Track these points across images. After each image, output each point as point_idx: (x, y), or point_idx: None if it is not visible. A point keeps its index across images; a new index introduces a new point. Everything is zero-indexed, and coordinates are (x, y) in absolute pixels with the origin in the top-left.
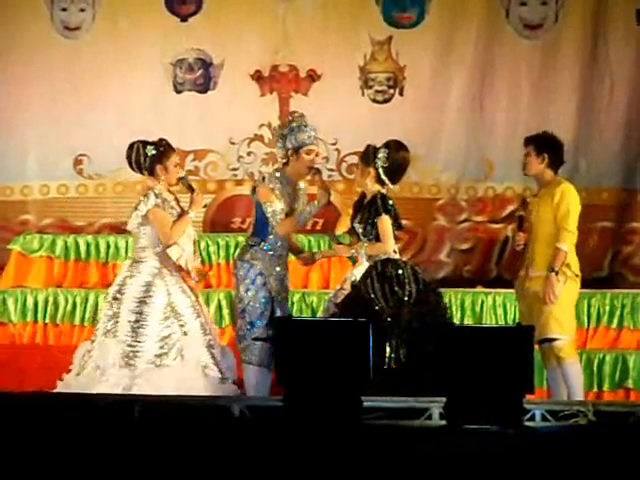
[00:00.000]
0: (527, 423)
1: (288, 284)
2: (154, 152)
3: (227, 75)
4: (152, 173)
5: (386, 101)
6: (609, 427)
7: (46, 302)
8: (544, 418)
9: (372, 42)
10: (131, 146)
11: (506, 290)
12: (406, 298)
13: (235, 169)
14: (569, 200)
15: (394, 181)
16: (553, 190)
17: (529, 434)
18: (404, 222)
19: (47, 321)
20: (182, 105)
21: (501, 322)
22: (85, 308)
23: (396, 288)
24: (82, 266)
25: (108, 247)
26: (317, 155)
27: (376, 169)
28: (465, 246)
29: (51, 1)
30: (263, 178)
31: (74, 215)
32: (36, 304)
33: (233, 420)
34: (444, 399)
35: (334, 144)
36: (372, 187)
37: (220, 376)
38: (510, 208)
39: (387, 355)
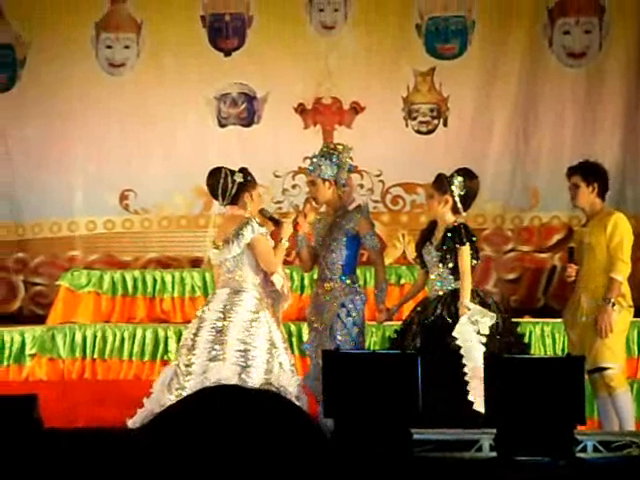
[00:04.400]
0: (579, 454)
1: None
2: (242, 180)
3: (271, 108)
4: (236, 202)
5: (430, 132)
6: None
7: (94, 337)
8: (596, 449)
9: (415, 73)
10: (217, 172)
11: (554, 320)
12: (494, 329)
13: (280, 202)
14: (622, 230)
15: (466, 209)
16: (605, 220)
17: (581, 465)
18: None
19: (95, 356)
20: (226, 139)
21: (550, 352)
22: (133, 343)
23: None
24: (129, 301)
25: (155, 282)
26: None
27: (453, 197)
28: (512, 276)
29: (97, 39)
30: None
31: (121, 250)
32: (84, 339)
33: None
34: (494, 430)
35: (378, 175)
36: (447, 216)
37: None
38: (556, 237)
39: None
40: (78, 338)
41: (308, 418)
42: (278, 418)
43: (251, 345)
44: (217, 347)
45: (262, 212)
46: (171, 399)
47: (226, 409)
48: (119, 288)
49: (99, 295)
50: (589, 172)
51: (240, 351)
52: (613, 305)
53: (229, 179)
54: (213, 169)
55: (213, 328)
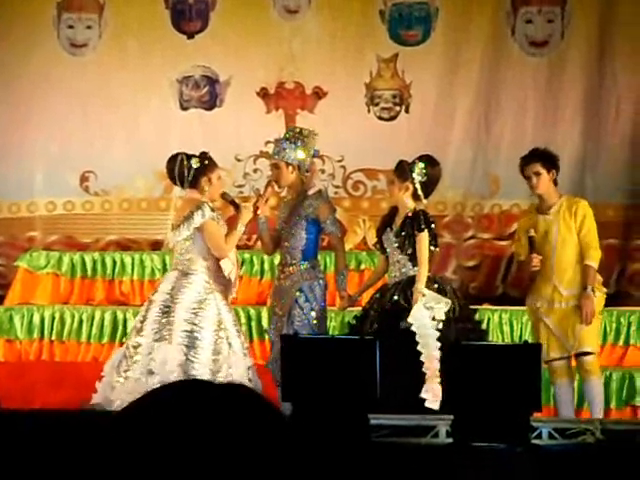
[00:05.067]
0: (534, 441)
1: None
2: (199, 164)
3: (233, 92)
4: (195, 186)
5: (392, 118)
6: (616, 445)
7: (52, 319)
8: (551, 436)
9: (378, 59)
10: (174, 158)
11: (512, 307)
12: (451, 315)
13: (241, 185)
14: (591, 217)
15: (427, 196)
16: (573, 208)
17: (536, 452)
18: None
19: (53, 338)
20: (188, 122)
21: (507, 339)
22: (91, 325)
23: None
24: (88, 283)
25: (114, 264)
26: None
27: (413, 184)
28: (471, 263)
29: (58, 19)
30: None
31: (80, 232)
32: (42, 321)
33: None
34: (451, 417)
35: (340, 161)
36: (407, 202)
37: None
38: (516, 225)
39: None
40: (36, 319)
41: (278, 414)
42: (246, 413)
43: (198, 326)
44: (163, 328)
45: (223, 196)
46: (120, 381)
47: (190, 404)
48: (78, 270)
49: (58, 276)
50: (548, 159)
51: (187, 331)
52: (593, 291)
53: (185, 164)
54: (172, 155)
55: (160, 309)
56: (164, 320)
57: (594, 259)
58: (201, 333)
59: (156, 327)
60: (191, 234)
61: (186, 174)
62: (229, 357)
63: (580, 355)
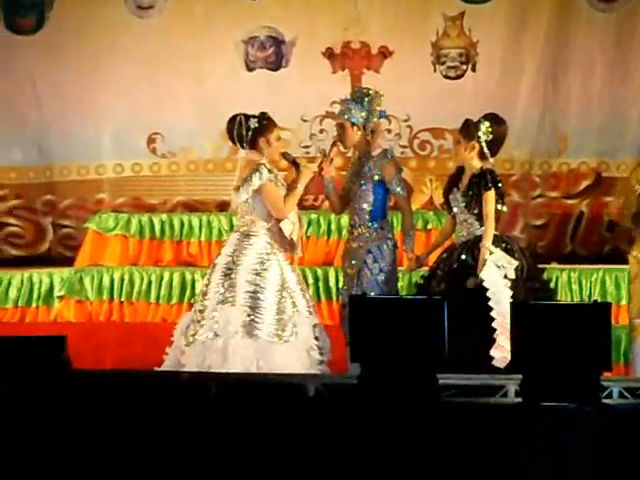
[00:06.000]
0: (604, 400)
1: None
2: (257, 125)
3: (299, 53)
4: (254, 147)
5: (458, 77)
6: None
7: (122, 280)
8: (621, 395)
9: (444, 18)
10: (233, 119)
11: (581, 266)
12: (519, 274)
13: (307, 146)
14: None
15: (493, 154)
16: None
17: (606, 411)
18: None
19: (123, 299)
20: (254, 83)
21: (576, 298)
22: (160, 286)
23: None
24: (157, 244)
25: (182, 225)
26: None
27: (479, 143)
28: (539, 222)
29: None
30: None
31: (148, 194)
32: (112, 282)
33: (309, 398)
34: (520, 376)
35: (406, 120)
36: (474, 161)
37: (320, 358)
38: (584, 183)
39: None
40: (106, 281)
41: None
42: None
43: (260, 286)
44: (226, 290)
45: (284, 155)
46: (188, 345)
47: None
48: (146, 231)
49: (126, 238)
50: None
51: (249, 292)
52: None
53: (244, 125)
54: (231, 116)
55: (223, 272)
56: (227, 283)
57: None
58: (264, 293)
59: (220, 290)
60: (250, 196)
61: (244, 135)
62: (294, 316)
63: None
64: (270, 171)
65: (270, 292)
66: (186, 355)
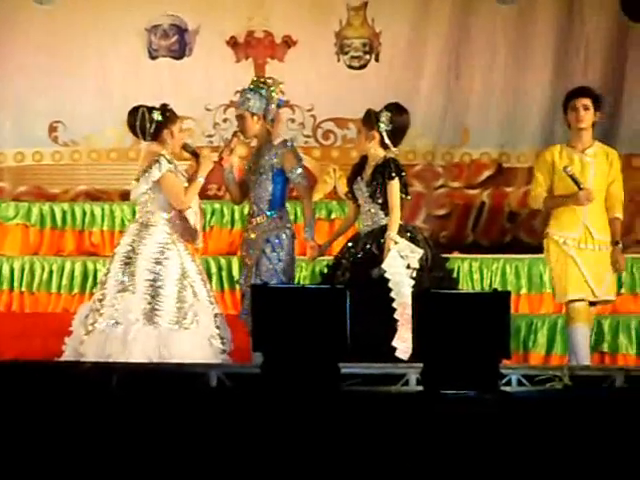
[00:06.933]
0: (503, 388)
1: None
2: (160, 117)
3: (202, 41)
4: (157, 139)
5: (362, 67)
6: (584, 391)
7: (22, 270)
8: (520, 383)
9: (348, 8)
10: (134, 110)
11: (482, 255)
12: (424, 263)
13: (211, 135)
14: (620, 170)
15: (396, 144)
16: (608, 156)
17: (505, 398)
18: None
19: (23, 289)
20: (157, 72)
21: (477, 287)
22: (61, 276)
23: None
24: (58, 234)
25: (84, 215)
26: None
27: (380, 133)
28: (442, 212)
29: None
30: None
31: (49, 182)
32: (12, 272)
33: (211, 388)
34: (421, 364)
35: (310, 110)
36: (376, 151)
37: (222, 347)
38: (486, 173)
39: None
40: (5, 270)
41: None
42: None
43: (159, 275)
44: (126, 279)
45: (185, 146)
46: (87, 334)
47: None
48: (48, 220)
49: (27, 227)
50: (598, 99)
51: (149, 280)
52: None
53: (147, 117)
54: (132, 108)
55: (122, 261)
56: (127, 271)
57: (621, 211)
58: (164, 282)
59: (119, 278)
60: (150, 187)
61: (148, 127)
62: (194, 305)
63: (600, 302)
64: (170, 162)
65: (170, 281)
66: (85, 344)
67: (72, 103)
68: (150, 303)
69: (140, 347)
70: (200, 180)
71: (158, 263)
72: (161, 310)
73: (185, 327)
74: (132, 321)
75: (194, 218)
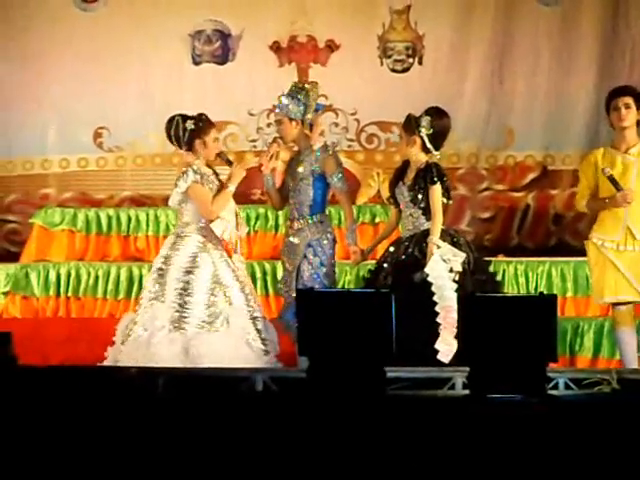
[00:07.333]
0: (550, 391)
1: None
2: (193, 127)
3: (245, 46)
4: (191, 148)
5: (405, 70)
6: (633, 395)
7: (68, 276)
8: (567, 386)
9: (390, 11)
10: (171, 120)
11: (527, 258)
12: (466, 267)
13: (254, 140)
14: None
15: (437, 148)
16: None
17: (552, 402)
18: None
19: (69, 294)
20: (201, 77)
21: (523, 291)
22: (107, 281)
23: None
24: (103, 239)
25: (129, 220)
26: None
27: (421, 137)
28: (486, 215)
29: None
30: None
31: (94, 188)
32: (58, 278)
33: (257, 392)
34: (467, 368)
35: (353, 114)
36: (418, 156)
37: (263, 348)
38: (530, 176)
39: None
40: (52, 276)
41: None
42: None
43: (189, 284)
44: (157, 288)
45: (220, 155)
46: (121, 344)
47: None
48: (93, 226)
49: (73, 233)
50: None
51: (178, 289)
52: None
53: (180, 126)
54: (170, 117)
55: (156, 272)
56: (159, 282)
57: None
58: (193, 290)
59: (152, 289)
60: (181, 199)
61: (181, 136)
62: (225, 309)
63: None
64: (196, 172)
65: (200, 289)
66: (122, 353)
67: (116, 109)
68: (178, 311)
69: (165, 351)
70: (230, 189)
71: (189, 272)
72: (189, 317)
73: (215, 330)
74: (158, 327)
75: (221, 229)
